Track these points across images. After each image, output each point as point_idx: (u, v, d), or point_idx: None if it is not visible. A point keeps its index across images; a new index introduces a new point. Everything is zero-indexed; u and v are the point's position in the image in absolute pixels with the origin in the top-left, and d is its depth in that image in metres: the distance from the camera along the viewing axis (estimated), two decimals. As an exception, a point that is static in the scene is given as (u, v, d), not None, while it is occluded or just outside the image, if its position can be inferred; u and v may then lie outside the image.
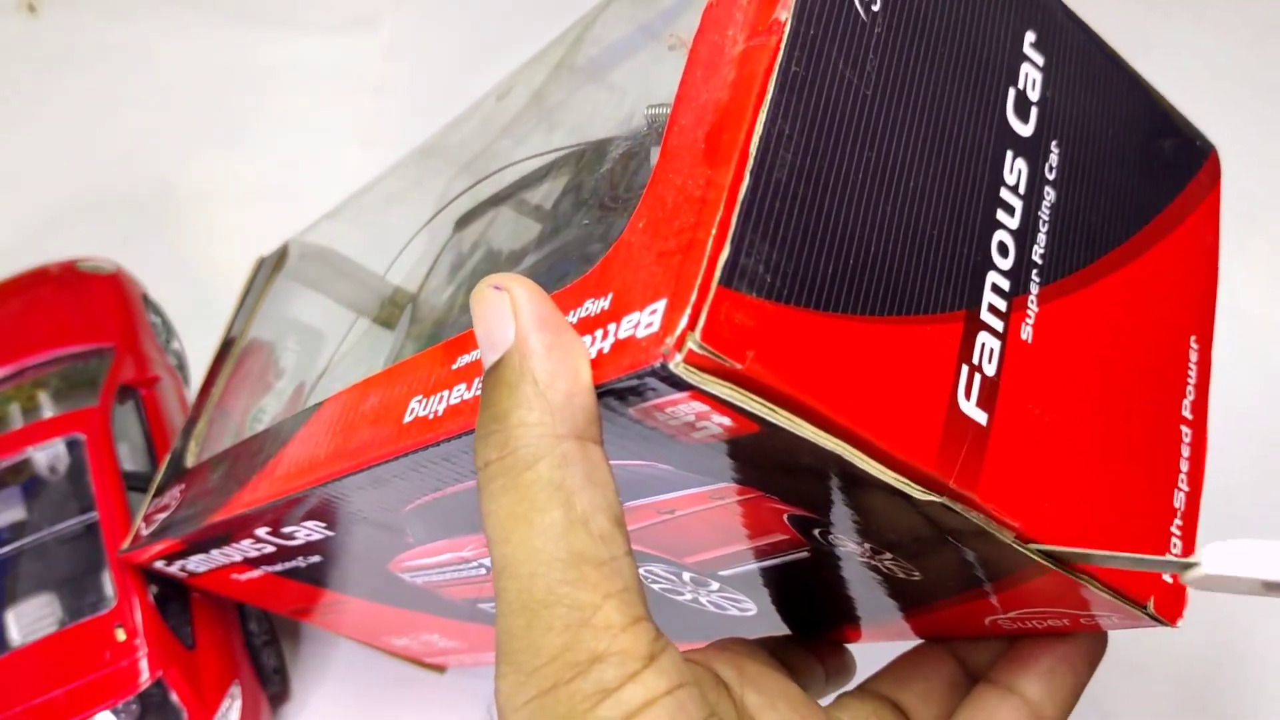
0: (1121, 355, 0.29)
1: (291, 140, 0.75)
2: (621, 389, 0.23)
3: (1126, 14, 0.64)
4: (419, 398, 0.30)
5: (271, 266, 0.54)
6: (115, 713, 0.46)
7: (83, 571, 0.49)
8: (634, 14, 0.40)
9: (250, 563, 0.43)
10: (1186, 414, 0.30)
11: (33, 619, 0.48)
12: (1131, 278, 0.30)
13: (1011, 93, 0.28)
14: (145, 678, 0.46)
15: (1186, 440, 0.30)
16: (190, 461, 0.47)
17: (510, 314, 0.24)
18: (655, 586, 0.36)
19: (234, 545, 0.42)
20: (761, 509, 0.27)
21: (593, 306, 0.25)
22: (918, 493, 0.24)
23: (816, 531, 0.28)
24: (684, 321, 0.21)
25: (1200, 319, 0.31)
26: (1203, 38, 0.69)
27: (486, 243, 0.44)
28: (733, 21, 0.26)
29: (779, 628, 0.35)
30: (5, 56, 0.82)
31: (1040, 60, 0.29)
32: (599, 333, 0.24)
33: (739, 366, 0.22)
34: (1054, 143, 0.29)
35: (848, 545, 0.28)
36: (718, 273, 0.22)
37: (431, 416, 0.28)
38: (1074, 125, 0.30)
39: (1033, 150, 0.28)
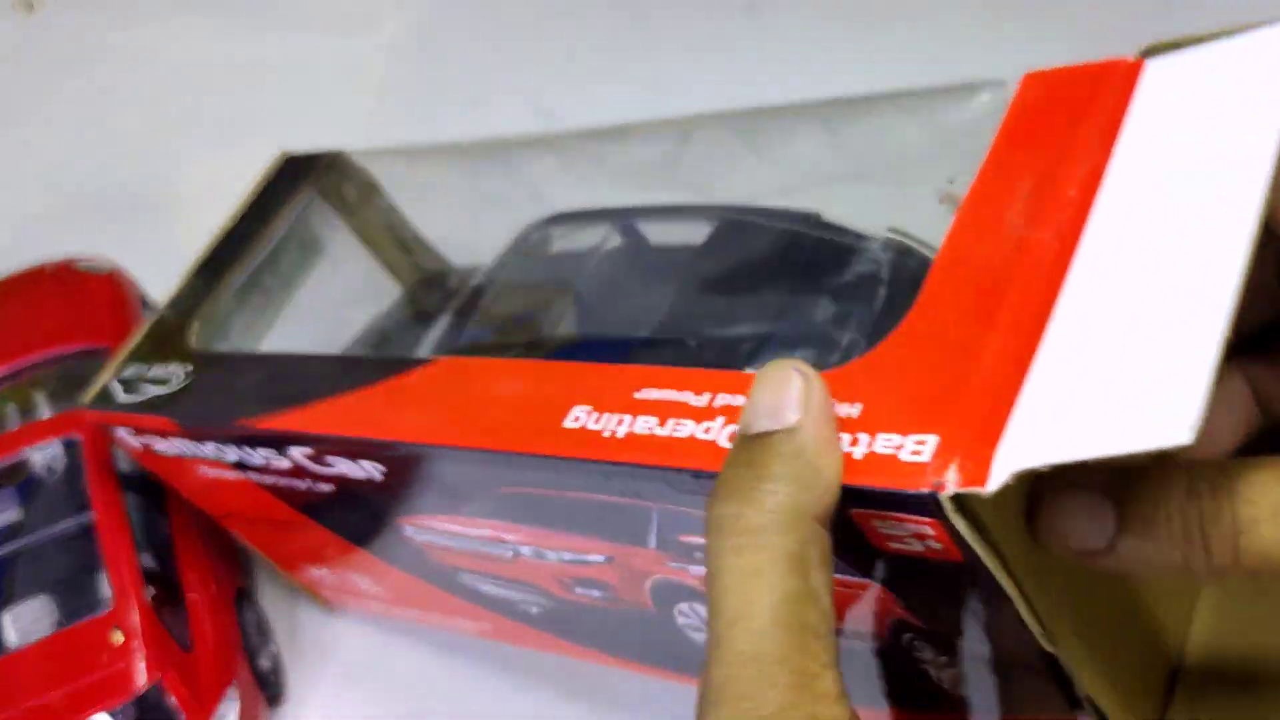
0: None
1: (292, 140, 0.74)
2: (866, 495, 0.26)
3: (1127, 12, 0.64)
4: (587, 408, 0.32)
5: (303, 173, 0.53)
6: (112, 715, 0.45)
7: (79, 573, 0.49)
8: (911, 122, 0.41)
9: (240, 466, 0.43)
10: None
11: (29, 621, 0.48)
12: None
13: None
14: (142, 680, 0.46)
15: None
16: (194, 342, 0.46)
17: (802, 399, 0.27)
18: (677, 614, 0.38)
19: (242, 448, 0.42)
20: (880, 606, 0.30)
21: (837, 409, 0.28)
22: (1046, 643, 0.27)
23: (907, 636, 0.31)
24: (956, 465, 0.25)
25: None
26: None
27: (596, 256, 0.44)
28: (1012, 199, 0.29)
29: None
30: (4, 56, 0.82)
31: None
32: (847, 437, 0.27)
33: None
34: None
35: (925, 653, 0.31)
36: (1000, 442, 0.25)
37: (608, 434, 0.31)
38: None
39: None
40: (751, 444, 0.27)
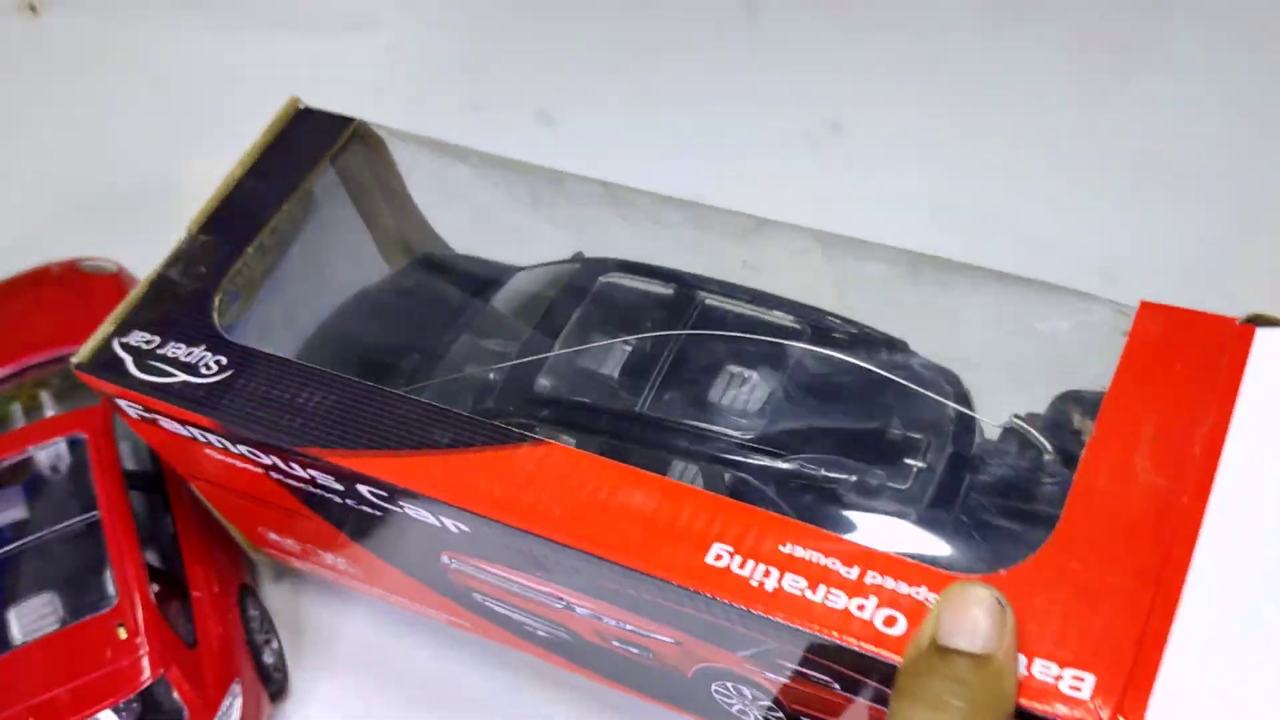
0: None
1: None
2: (1028, 713, 0.30)
3: (1124, 14, 0.65)
4: (729, 549, 0.34)
5: (318, 131, 0.50)
6: (117, 711, 0.46)
7: (84, 570, 0.49)
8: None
9: (269, 469, 0.42)
10: None
11: (34, 617, 0.48)
12: None
13: None
14: (146, 676, 0.46)
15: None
16: (218, 319, 0.43)
17: (999, 629, 0.30)
18: (715, 685, 0.40)
19: (290, 464, 0.40)
20: None
21: None
22: None
23: None
24: (1112, 709, 0.29)
25: None
26: (1202, 38, 0.69)
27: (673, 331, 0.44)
28: (1139, 441, 0.33)
29: None
30: (6, 57, 0.83)
31: None
32: None
33: None
34: None
35: None
36: (1151, 699, 0.29)
37: (755, 583, 0.33)
38: None
39: None
40: (949, 659, 0.30)
